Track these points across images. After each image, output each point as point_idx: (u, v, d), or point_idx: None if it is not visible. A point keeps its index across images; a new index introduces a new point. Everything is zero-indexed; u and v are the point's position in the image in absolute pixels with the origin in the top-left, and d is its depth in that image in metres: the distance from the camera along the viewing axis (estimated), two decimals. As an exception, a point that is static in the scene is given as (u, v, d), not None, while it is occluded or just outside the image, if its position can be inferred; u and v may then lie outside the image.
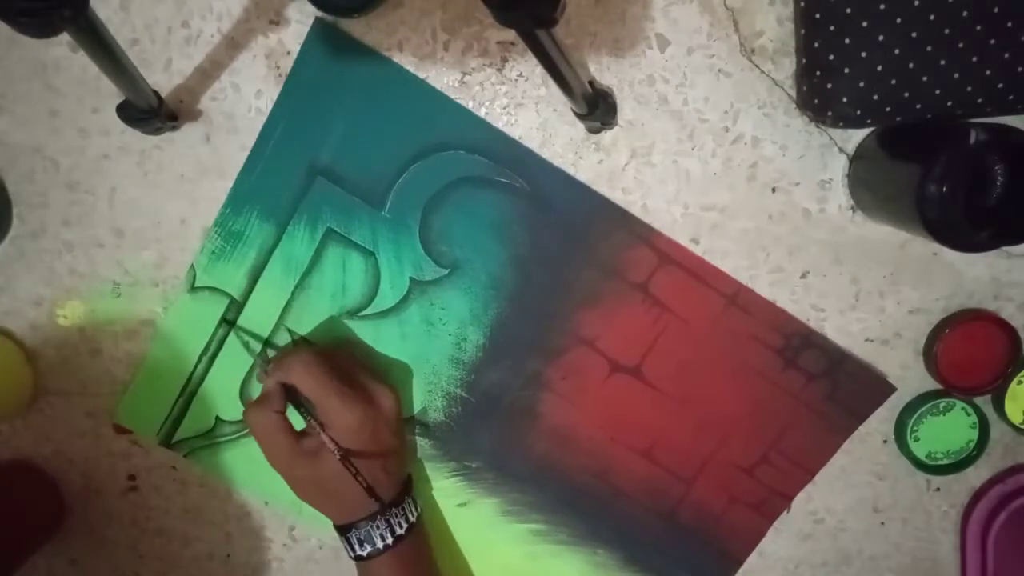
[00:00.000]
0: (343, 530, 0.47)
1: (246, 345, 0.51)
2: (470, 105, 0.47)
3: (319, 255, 0.50)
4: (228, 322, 0.51)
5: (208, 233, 0.49)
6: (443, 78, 0.47)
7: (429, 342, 0.51)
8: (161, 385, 0.52)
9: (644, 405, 0.51)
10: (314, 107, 0.47)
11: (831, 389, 0.51)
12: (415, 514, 0.48)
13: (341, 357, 0.48)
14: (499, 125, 0.47)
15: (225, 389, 0.52)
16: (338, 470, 0.43)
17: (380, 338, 0.51)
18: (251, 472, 0.54)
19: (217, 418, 0.52)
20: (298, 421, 0.46)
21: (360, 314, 0.51)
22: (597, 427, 0.52)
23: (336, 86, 0.47)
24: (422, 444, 0.53)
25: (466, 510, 0.54)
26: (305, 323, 0.51)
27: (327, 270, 0.50)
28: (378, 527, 0.46)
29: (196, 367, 0.51)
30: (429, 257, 0.49)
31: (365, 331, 0.51)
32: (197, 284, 0.50)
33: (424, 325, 0.51)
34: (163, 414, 0.52)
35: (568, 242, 0.49)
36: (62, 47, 0.47)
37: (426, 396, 0.52)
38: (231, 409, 0.52)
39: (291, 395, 0.45)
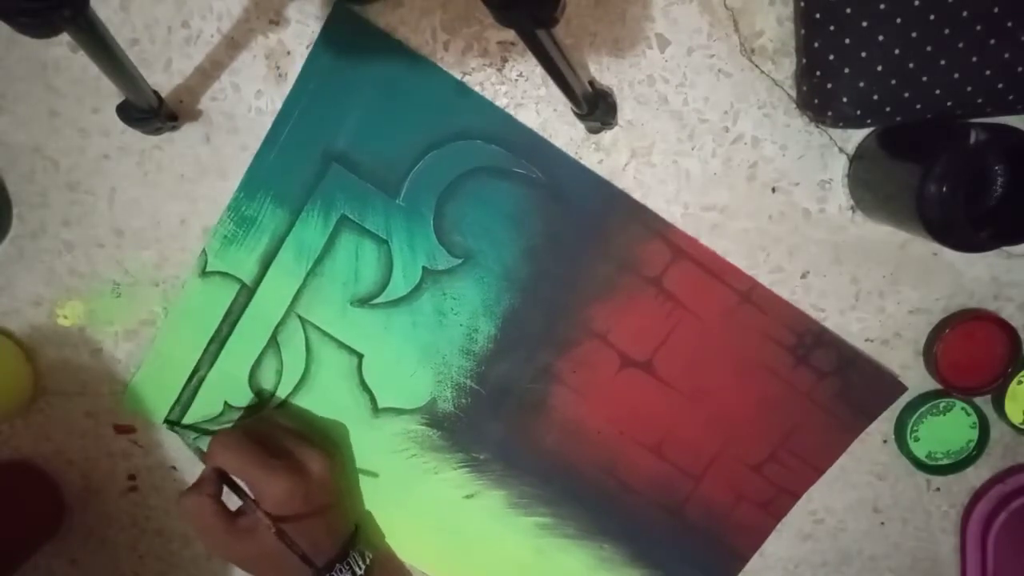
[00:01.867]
0: None
1: (189, 442, 0.52)
2: (470, 105, 0.47)
3: (332, 242, 0.49)
4: (171, 423, 0.52)
5: (220, 218, 0.49)
6: (443, 78, 0.47)
7: (440, 332, 0.51)
8: (170, 369, 0.52)
9: (654, 400, 0.51)
10: (331, 93, 0.47)
11: (841, 387, 0.51)
12: (363, 566, 0.48)
13: (265, 428, 0.49)
14: (499, 125, 0.48)
15: (234, 374, 0.52)
16: (277, 542, 0.44)
17: (391, 327, 0.51)
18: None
19: (226, 403, 0.52)
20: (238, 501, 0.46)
21: (372, 302, 0.50)
22: (606, 421, 0.52)
23: (354, 72, 0.47)
24: (430, 434, 0.53)
25: (473, 501, 0.54)
26: (316, 310, 0.51)
27: (340, 257, 0.50)
28: None
29: (206, 352, 0.51)
30: (443, 246, 0.49)
31: (376, 320, 0.51)
32: (209, 269, 0.50)
33: (436, 315, 0.50)
34: (172, 398, 0.52)
35: (583, 234, 0.49)
36: (62, 47, 0.47)
37: (436, 386, 0.52)
38: (240, 395, 0.52)
39: (224, 477, 0.46)
